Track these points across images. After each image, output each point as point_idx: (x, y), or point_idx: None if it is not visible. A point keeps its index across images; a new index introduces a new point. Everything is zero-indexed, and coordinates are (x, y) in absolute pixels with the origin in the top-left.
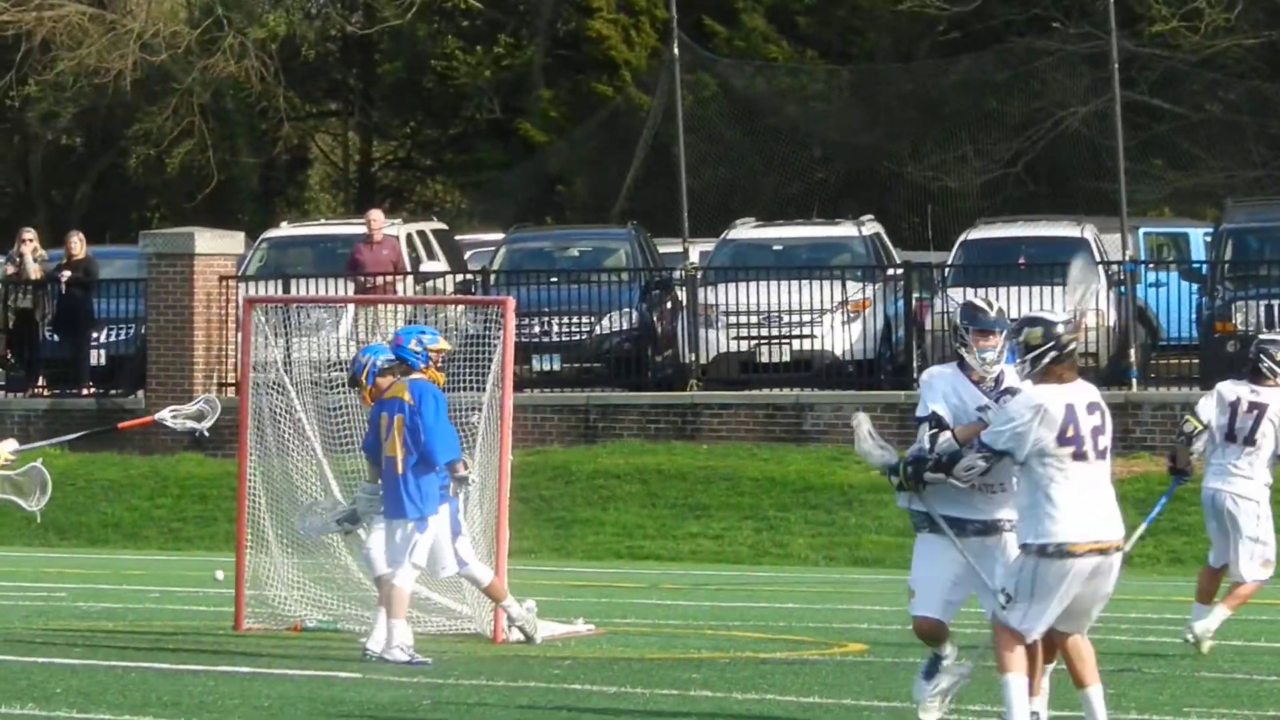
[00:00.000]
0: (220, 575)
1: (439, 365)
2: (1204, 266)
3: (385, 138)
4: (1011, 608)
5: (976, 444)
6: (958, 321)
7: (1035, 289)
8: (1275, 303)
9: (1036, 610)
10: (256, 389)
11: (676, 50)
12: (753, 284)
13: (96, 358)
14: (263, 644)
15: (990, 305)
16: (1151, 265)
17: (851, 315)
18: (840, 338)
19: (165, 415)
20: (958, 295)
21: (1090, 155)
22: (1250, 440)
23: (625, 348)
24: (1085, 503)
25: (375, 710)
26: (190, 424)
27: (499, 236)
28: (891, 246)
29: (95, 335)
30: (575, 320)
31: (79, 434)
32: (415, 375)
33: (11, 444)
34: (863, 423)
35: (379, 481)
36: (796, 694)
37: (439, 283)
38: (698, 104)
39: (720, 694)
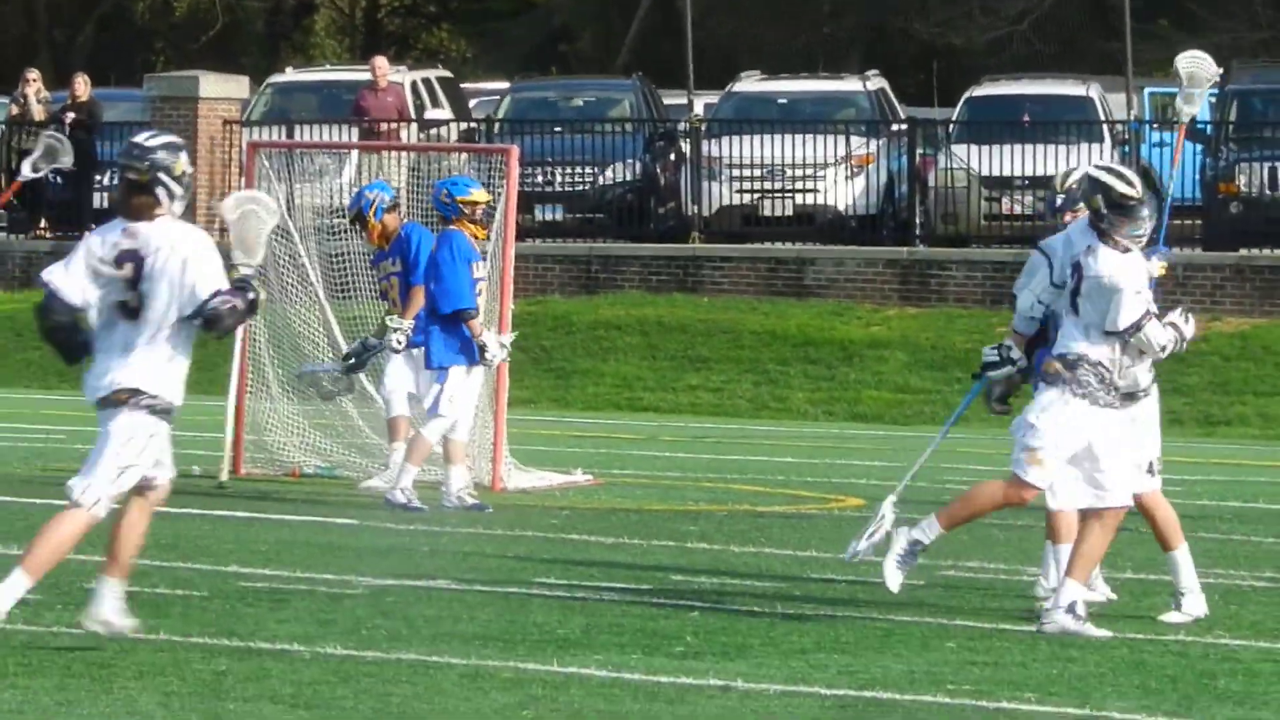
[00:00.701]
0: None
1: (476, 218)
2: (1208, 127)
3: None
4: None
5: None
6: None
7: (1039, 147)
8: (1279, 164)
9: None
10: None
11: None
12: (756, 137)
13: (99, 200)
14: (260, 489)
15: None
16: (1155, 125)
17: (855, 170)
18: (843, 192)
19: (25, 168)
20: (960, 151)
21: (1096, 14)
22: None
23: (628, 199)
24: None
25: (372, 556)
26: (46, 167)
27: (504, 86)
28: (896, 102)
29: (98, 178)
30: (578, 170)
31: None
32: (449, 226)
33: None
34: None
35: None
36: (794, 548)
37: (443, 131)
38: None
39: (718, 546)
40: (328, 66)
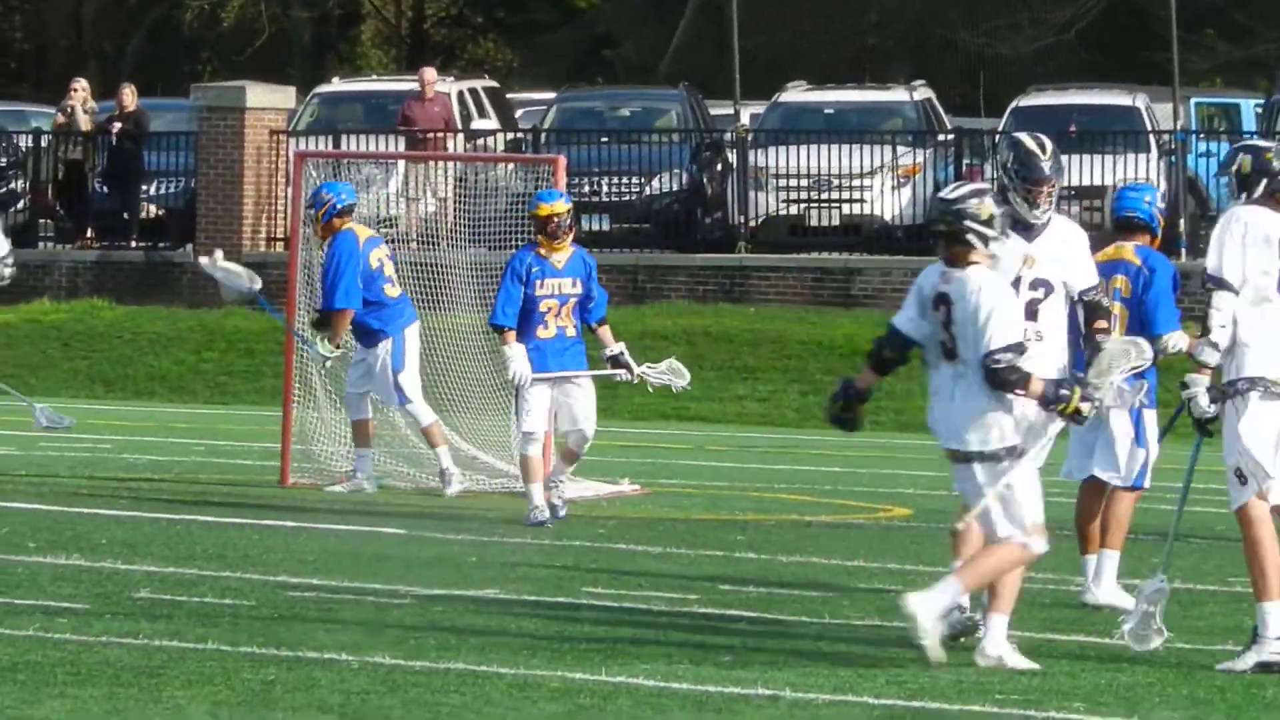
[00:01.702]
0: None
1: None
2: (1254, 137)
3: None
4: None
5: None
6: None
7: (1086, 157)
8: None
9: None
10: (306, 243)
11: None
12: (803, 147)
13: (146, 210)
14: (308, 498)
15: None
16: (1202, 135)
17: (901, 180)
18: (890, 203)
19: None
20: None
21: (1143, 24)
22: None
23: (675, 209)
24: None
25: (420, 566)
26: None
27: (550, 96)
28: (943, 112)
29: (145, 188)
30: (625, 180)
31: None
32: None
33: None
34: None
35: None
36: (841, 557)
37: (489, 140)
38: None
39: (765, 556)
40: (374, 77)
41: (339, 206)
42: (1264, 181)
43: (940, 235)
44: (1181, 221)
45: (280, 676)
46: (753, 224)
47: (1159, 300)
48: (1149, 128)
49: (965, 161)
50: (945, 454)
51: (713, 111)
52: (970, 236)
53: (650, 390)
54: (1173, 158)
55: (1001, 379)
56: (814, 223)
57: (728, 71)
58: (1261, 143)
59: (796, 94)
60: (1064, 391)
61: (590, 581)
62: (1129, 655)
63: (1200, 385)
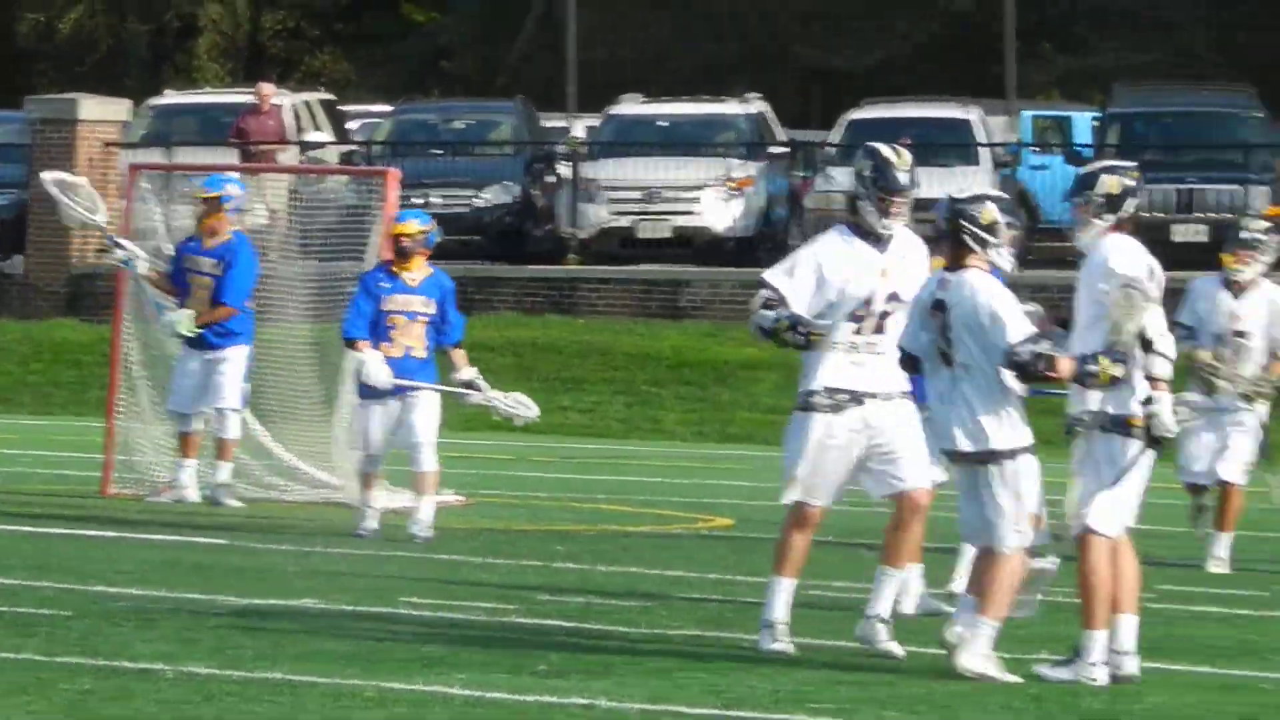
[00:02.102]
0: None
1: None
2: (1088, 150)
3: (275, 7)
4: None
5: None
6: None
7: (919, 170)
8: (1160, 188)
9: None
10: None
11: None
12: (636, 160)
13: None
14: (129, 508)
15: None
16: (1035, 149)
17: (733, 193)
18: (721, 215)
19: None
20: (838, 174)
21: (981, 38)
22: None
23: (506, 221)
24: None
25: (238, 575)
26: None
27: (387, 108)
28: (777, 125)
29: None
30: (456, 193)
31: None
32: None
33: None
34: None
35: None
36: (661, 568)
37: (324, 153)
38: None
39: (585, 566)
40: (207, 89)
41: (243, 205)
42: (1129, 201)
43: (942, 236)
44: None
45: (96, 687)
46: (583, 236)
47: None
48: (982, 140)
49: (798, 174)
50: (948, 458)
51: (549, 124)
52: (966, 237)
53: (494, 417)
54: (1006, 170)
55: (1029, 369)
56: (645, 235)
57: (562, 83)
58: (1121, 163)
59: (631, 106)
60: (1091, 367)
61: (410, 591)
62: (946, 666)
63: (1165, 401)
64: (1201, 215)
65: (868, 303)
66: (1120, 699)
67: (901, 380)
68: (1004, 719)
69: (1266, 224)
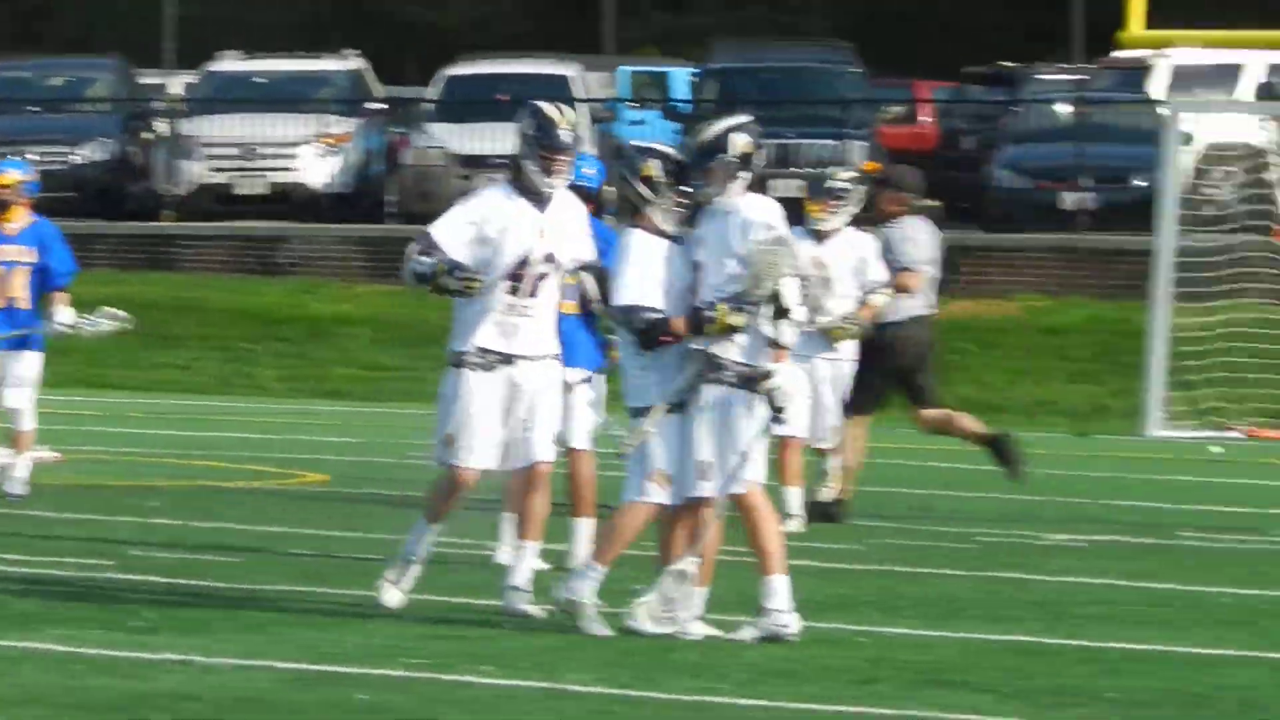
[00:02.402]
0: None
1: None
2: (686, 105)
3: None
4: None
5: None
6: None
7: (514, 125)
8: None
9: None
10: None
11: None
12: (233, 116)
13: None
14: None
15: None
16: (633, 104)
17: (330, 149)
18: (318, 171)
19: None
20: (436, 130)
21: None
22: None
23: (103, 177)
24: None
25: None
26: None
27: None
28: (375, 81)
29: None
30: (53, 149)
31: None
32: None
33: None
34: None
35: None
36: (253, 523)
37: None
38: None
39: (179, 522)
40: None
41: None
42: (757, 156)
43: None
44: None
45: None
46: (180, 193)
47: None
48: (581, 96)
49: (396, 130)
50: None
51: (147, 81)
52: (629, 193)
53: (90, 337)
54: (605, 125)
55: (645, 334)
56: (242, 191)
57: (158, 39)
58: (740, 118)
59: (229, 63)
60: (709, 313)
61: (2, 548)
62: (546, 620)
63: (786, 372)
64: (799, 170)
65: (524, 262)
66: (714, 653)
67: (552, 343)
68: (598, 672)
69: (853, 174)
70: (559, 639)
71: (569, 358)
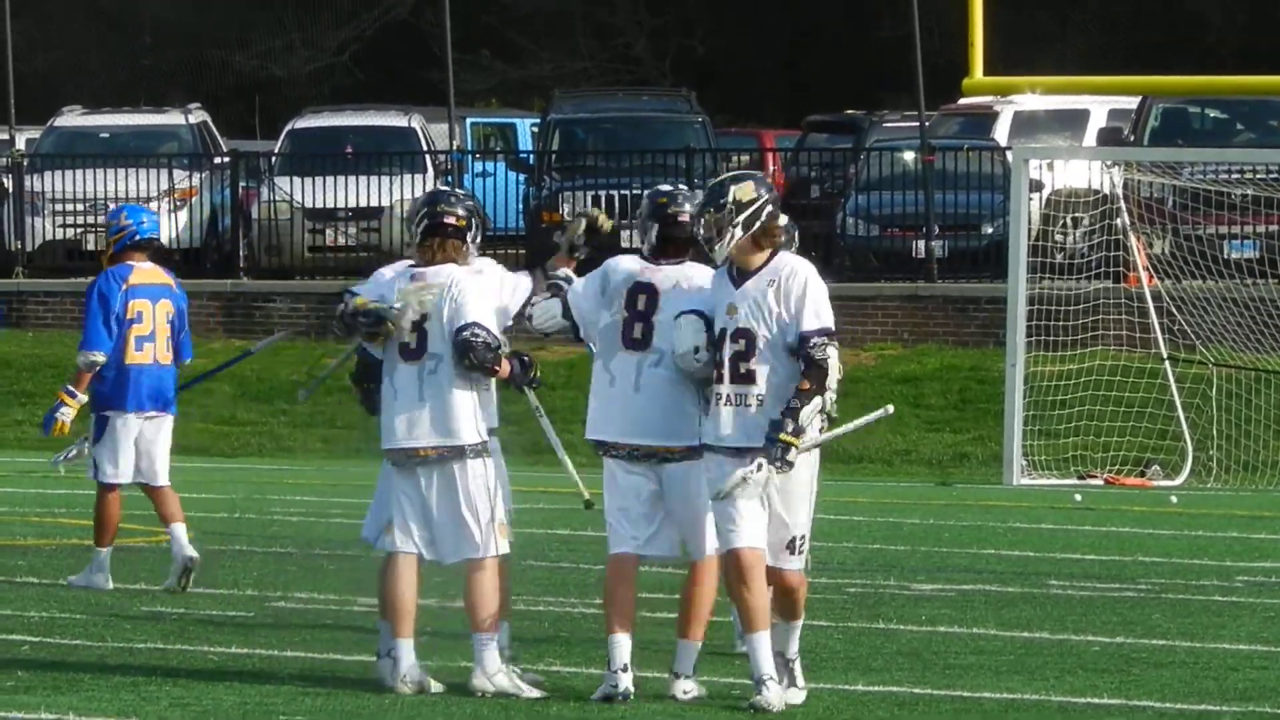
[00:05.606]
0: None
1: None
2: (531, 156)
3: None
4: None
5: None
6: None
7: (363, 178)
8: (601, 192)
9: None
10: None
11: None
12: (80, 171)
13: None
14: None
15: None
16: (478, 155)
17: (178, 204)
18: (166, 226)
19: None
20: (283, 183)
21: (419, 44)
22: None
23: None
24: None
25: None
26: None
27: None
28: (219, 135)
29: None
30: None
31: None
32: None
33: None
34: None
35: None
36: (122, 580)
37: None
38: None
39: (47, 581)
40: None
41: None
42: (765, 207)
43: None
44: None
45: None
46: (29, 249)
47: None
48: (425, 147)
49: (242, 184)
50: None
51: None
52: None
53: None
54: (449, 178)
55: (481, 357)
56: (91, 247)
57: (2, 95)
58: (744, 172)
59: (72, 118)
60: (526, 358)
61: None
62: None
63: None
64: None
65: None
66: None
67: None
68: None
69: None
70: (429, 697)
71: None
